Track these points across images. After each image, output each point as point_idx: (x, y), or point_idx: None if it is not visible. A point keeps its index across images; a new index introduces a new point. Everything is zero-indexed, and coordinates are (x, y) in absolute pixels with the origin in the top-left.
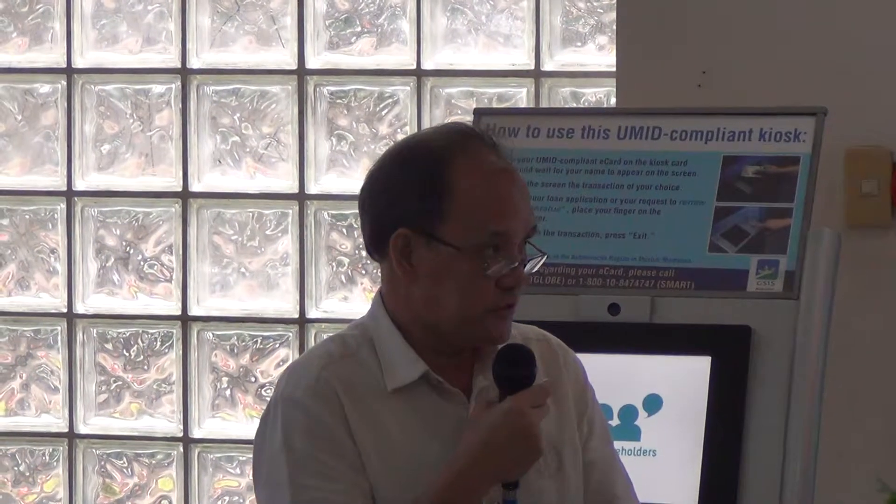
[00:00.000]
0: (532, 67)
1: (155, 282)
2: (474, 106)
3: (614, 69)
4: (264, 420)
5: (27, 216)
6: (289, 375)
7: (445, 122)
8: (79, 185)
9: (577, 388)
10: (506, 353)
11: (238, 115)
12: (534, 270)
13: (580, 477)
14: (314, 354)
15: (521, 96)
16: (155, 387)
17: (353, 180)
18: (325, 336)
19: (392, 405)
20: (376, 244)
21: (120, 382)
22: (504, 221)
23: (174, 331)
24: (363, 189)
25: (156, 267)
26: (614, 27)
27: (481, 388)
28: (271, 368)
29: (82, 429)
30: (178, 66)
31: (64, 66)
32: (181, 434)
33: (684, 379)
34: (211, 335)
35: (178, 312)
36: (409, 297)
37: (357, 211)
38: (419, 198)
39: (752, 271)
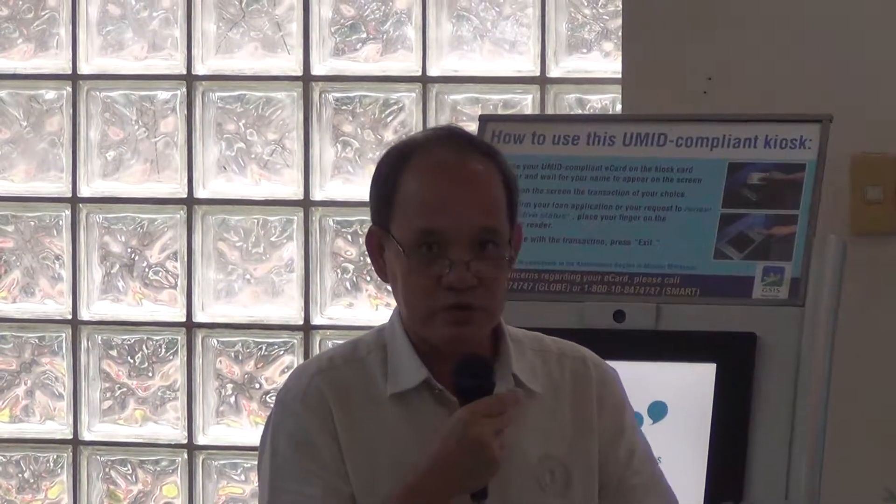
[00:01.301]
0: (537, 74)
1: (160, 288)
2: (479, 112)
3: (620, 76)
4: (268, 418)
5: (32, 223)
6: (288, 378)
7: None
8: (84, 191)
9: (613, 413)
10: (462, 362)
11: (243, 121)
12: (487, 274)
13: (593, 499)
14: (317, 358)
15: (526, 103)
16: (159, 393)
17: (358, 187)
18: (329, 343)
19: (387, 412)
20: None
21: (124, 389)
22: (432, 218)
23: (179, 337)
24: None
25: (160, 273)
26: (620, 33)
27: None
28: (276, 375)
29: (87, 435)
30: (184, 72)
31: (69, 72)
32: (185, 441)
33: (689, 386)
34: (215, 342)
35: (183, 319)
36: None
37: (362, 217)
38: (379, 194)
39: (758, 278)
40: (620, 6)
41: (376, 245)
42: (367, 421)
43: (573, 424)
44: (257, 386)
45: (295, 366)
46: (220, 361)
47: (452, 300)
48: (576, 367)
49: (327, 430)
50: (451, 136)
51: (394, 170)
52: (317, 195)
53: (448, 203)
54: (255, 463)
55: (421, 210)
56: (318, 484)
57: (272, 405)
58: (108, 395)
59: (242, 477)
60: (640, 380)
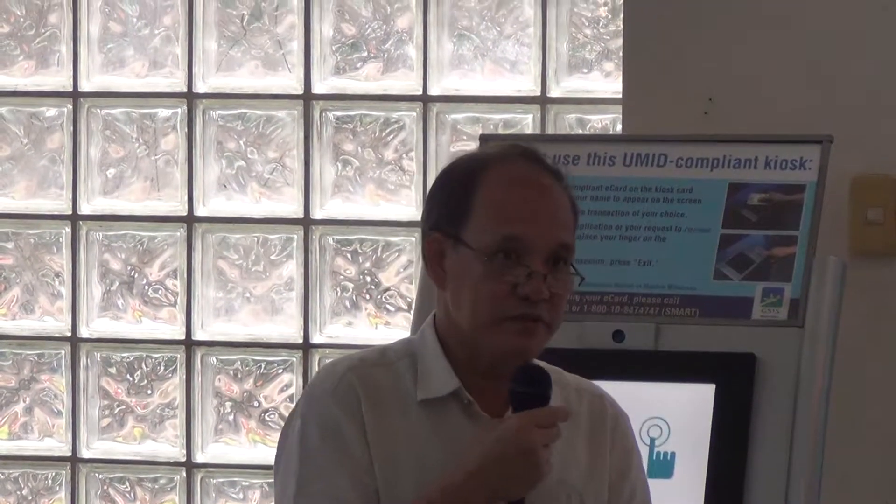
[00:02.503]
0: (538, 94)
1: (159, 306)
2: (480, 132)
3: (620, 96)
4: (291, 412)
5: (32, 239)
6: (319, 373)
7: (452, 147)
8: (84, 208)
9: (623, 450)
10: (522, 370)
11: (244, 139)
12: (558, 290)
13: None
14: (350, 356)
15: (527, 122)
16: (158, 411)
17: (358, 205)
18: (327, 361)
19: (416, 417)
20: (425, 259)
21: (123, 407)
22: (516, 225)
23: (178, 355)
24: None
25: (160, 291)
26: (621, 54)
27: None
28: (275, 394)
29: (85, 453)
30: (185, 90)
31: (70, 89)
32: (184, 459)
33: (689, 406)
34: (215, 360)
35: (182, 337)
36: (445, 306)
37: (362, 236)
38: (450, 202)
39: (757, 299)
40: (621, 26)
41: (436, 252)
42: (395, 422)
43: (588, 456)
44: (256, 404)
45: (294, 385)
46: (219, 379)
47: (523, 310)
48: (593, 403)
49: (357, 425)
50: (525, 153)
51: (469, 178)
52: (317, 214)
53: (532, 213)
54: (254, 481)
55: (504, 217)
56: (347, 475)
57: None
58: (107, 412)
59: (241, 495)
60: (640, 400)
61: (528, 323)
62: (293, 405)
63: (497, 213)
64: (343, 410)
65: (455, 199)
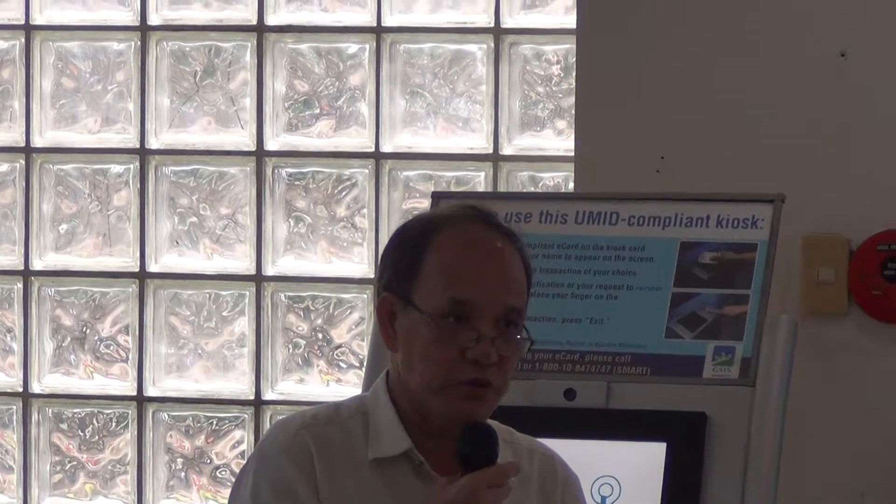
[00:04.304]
0: (490, 151)
1: (111, 362)
2: (432, 189)
3: (573, 154)
4: (242, 469)
5: None
6: (272, 430)
7: (404, 204)
8: (36, 264)
9: None
10: (469, 430)
11: (196, 195)
12: (508, 353)
13: None
14: (301, 414)
15: (479, 180)
16: (110, 467)
17: (310, 262)
18: (280, 418)
19: (367, 476)
20: (377, 319)
21: (75, 462)
22: (465, 289)
23: (130, 411)
24: None
25: (112, 347)
26: (573, 112)
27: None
28: (226, 450)
29: None
30: (137, 146)
31: (22, 144)
32: None
33: (640, 465)
34: (166, 416)
35: (134, 393)
36: (396, 367)
37: (314, 293)
38: (401, 263)
39: (709, 358)
40: (574, 84)
41: (388, 312)
42: (347, 480)
43: None
44: (208, 461)
45: (245, 441)
46: (171, 435)
47: (472, 375)
48: (544, 464)
49: (310, 483)
50: (478, 215)
51: (420, 240)
52: (269, 270)
53: (482, 277)
54: None
55: (454, 280)
56: None
57: (250, 454)
58: (59, 468)
59: None
60: (591, 458)
61: (476, 389)
62: (245, 461)
63: (447, 276)
64: (296, 469)
65: (406, 260)
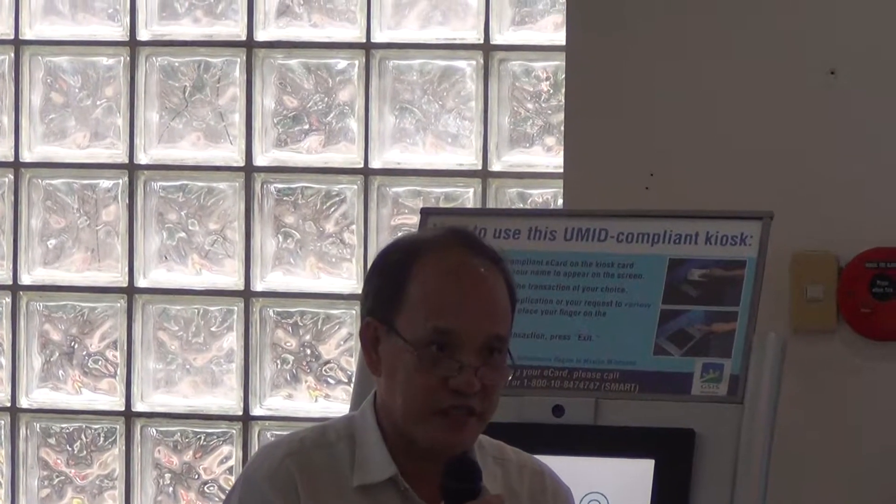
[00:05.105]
0: (479, 167)
1: (99, 377)
2: (421, 205)
3: (562, 170)
4: (229, 494)
5: None
6: (258, 455)
7: (393, 220)
8: (24, 279)
9: None
10: (453, 464)
11: (185, 211)
12: (491, 381)
13: None
14: (287, 439)
15: (468, 196)
16: (98, 482)
17: (298, 278)
18: (268, 434)
19: (351, 502)
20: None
21: (63, 477)
22: (448, 318)
23: (118, 426)
24: None
25: (100, 362)
26: (562, 128)
27: None
28: (214, 465)
29: None
30: (126, 161)
31: (12, 159)
32: None
33: (628, 482)
34: (154, 431)
35: (122, 408)
36: (380, 392)
37: (302, 308)
38: (384, 289)
39: (697, 375)
40: (563, 101)
41: (371, 337)
42: None
43: None
44: (196, 476)
45: (234, 457)
46: (159, 451)
47: (454, 402)
48: (534, 480)
49: None
50: (462, 239)
51: (403, 266)
52: (257, 286)
53: (464, 306)
54: None
55: (436, 309)
56: None
57: (237, 479)
58: (47, 483)
59: None
60: (579, 475)
61: (459, 417)
62: (232, 478)
63: (429, 304)
64: (280, 498)
65: (389, 286)
